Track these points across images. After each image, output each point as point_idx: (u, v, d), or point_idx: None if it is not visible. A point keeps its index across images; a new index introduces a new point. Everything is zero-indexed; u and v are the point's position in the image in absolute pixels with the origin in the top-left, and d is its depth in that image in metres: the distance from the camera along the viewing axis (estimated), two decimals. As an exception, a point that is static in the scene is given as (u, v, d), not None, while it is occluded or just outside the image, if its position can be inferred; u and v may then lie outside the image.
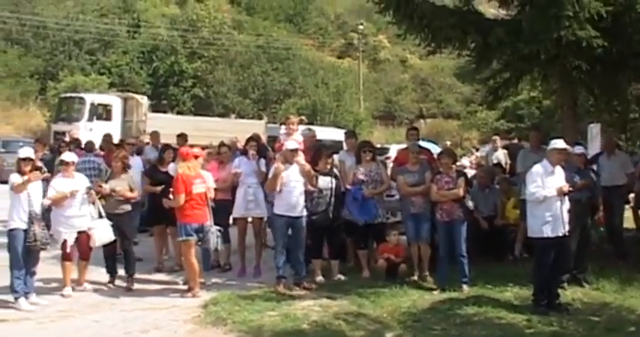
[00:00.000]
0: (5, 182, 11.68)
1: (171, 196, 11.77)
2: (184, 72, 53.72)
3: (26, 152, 11.19)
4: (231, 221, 13.73)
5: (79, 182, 11.84)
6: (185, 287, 11.97)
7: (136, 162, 14.80)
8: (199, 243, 11.74)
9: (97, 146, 17.12)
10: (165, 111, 44.96)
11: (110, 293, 11.95)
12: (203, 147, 14.24)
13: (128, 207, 12.44)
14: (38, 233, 10.79)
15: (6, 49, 49.63)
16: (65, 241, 11.63)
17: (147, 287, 12.37)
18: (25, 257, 10.82)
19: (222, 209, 12.73)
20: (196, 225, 11.58)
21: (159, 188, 13.43)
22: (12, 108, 46.50)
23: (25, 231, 10.76)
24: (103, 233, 11.75)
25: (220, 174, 13.46)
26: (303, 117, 14.98)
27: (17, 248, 10.77)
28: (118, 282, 12.42)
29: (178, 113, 47.69)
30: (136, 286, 12.24)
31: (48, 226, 11.27)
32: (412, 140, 14.18)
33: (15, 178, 10.87)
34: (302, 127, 14.24)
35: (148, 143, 19.17)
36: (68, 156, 12.37)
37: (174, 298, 11.56)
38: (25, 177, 10.79)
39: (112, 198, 12.24)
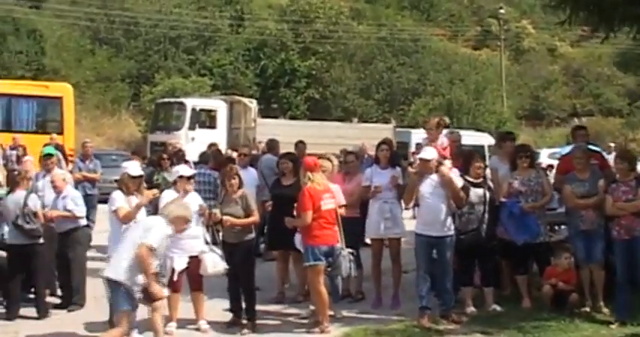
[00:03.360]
0: (104, 201, 11.61)
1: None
2: (297, 70, 54.03)
3: (136, 168, 11.00)
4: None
5: (192, 200, 11.58)
6: (311, 320, 11.84)
7: (250, 176, 14.76)
8: (328, 268, 11.56)
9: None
10: (276, 117, 45.40)
11: (225, 329, 11.82)
12: None
13: (248, 236, 12.00)
14: None
15: (94, 50, 50.81)
16: (173, 269, 11.33)
17: (266, 321, 12.25)
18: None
19: (350, 228, 12.38)
20: (326, 248, 11.42)
21: (268, 204, 13.39)
22: (102, 117, 47.31)
23: None
24: (216, 260, 11.45)
25: (346, 186, 13.21)
26: (445, 118, 14.60)
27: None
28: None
29: (291, 118, 48.04)
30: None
31: None
32: (581, 141, 13.85)
33: (120, 202, 10.78)
34: (444, 131, 13.95)
35: (264, 152, 19.07)
36: (185, 169, 12.22)
37: (298, 334, 11.55)
38: (138, 200, 10.68)
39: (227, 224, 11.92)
